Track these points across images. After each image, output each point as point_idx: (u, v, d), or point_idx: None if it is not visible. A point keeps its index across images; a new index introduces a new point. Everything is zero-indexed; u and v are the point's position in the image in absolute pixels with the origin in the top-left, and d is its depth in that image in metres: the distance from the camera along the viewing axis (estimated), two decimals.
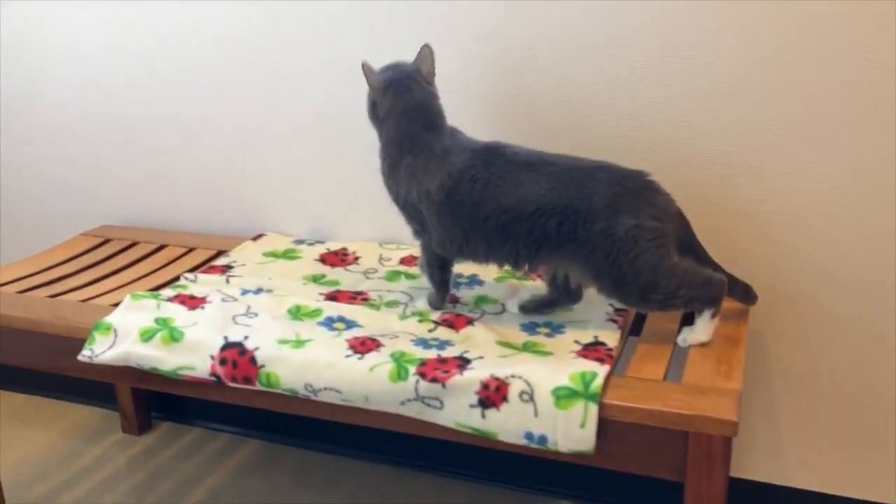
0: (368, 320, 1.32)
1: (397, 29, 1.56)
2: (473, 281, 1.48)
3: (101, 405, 2.11)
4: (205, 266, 1.60)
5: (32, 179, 1.97)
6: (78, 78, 1.85)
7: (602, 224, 1.17)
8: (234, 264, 1.59)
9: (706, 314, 1.21)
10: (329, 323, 1.31)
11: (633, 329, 1.33)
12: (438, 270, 1.35)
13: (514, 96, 1.52)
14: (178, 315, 1.32)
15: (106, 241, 1.76)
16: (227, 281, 1.50)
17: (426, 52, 1.32)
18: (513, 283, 1.46)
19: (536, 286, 1.42)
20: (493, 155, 1.25)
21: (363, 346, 1.21)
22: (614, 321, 1.29)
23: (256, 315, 1.33)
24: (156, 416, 2.04)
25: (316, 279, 1.51)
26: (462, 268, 1.49)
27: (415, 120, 1.30)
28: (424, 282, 1.40)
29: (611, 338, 1.23)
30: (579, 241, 1.19)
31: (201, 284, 1.49)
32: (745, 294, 1.32)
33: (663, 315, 1.30)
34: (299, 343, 1.22)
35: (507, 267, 1.29)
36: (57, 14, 1.81)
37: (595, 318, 1.31)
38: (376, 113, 1.33)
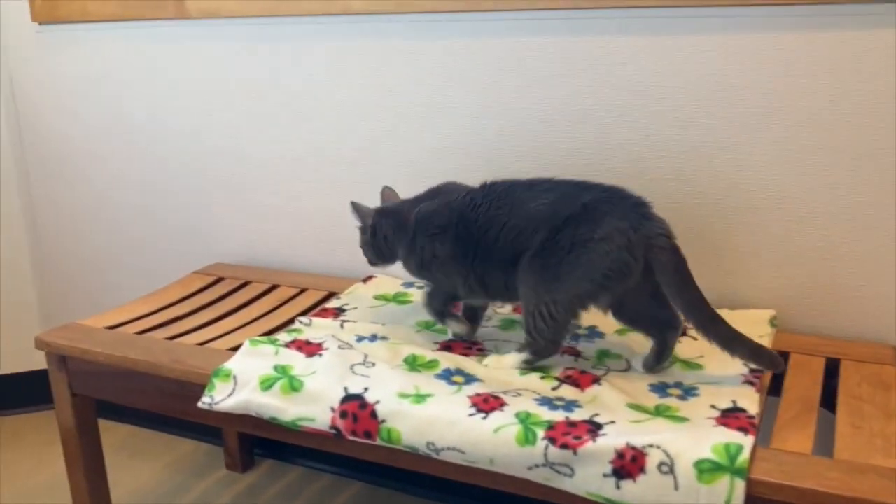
0: (487, 374, 1.28)
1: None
2: (594, 333, 1.42)
3: (204, 439, 2.13)
4: (317, 309, 1.59)
5: (147, 217, 2.02)
6: (194, 116, 1.88)
7: (581, 230, 1.19)
8: (346, 307, 1.57)
9: (524, 354, 1.26)
10: (447, 376, 1.27)
11: (769, 389, 1.25)
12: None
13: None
14: (297, 362, 1.31)
15: (219, 280, 1.78)
16: (342, 326, 1.48)
17: (388, 192, 1.47)
18: (636, 336, 1.39)
19: None
20: (491, 186, 1.32)
21: (486, 403, 1.17)
22: (751, 383, 1.21)
23: (374, 365, 1.30)
24: (258, 454, 2.04)
25: (428, 326, 1.48)
26: (584, 318, 1.46)
27: (408, 217, 1.36)
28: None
29: (750, 403, 1.15)
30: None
31: (316, 328, 1.47)
32: (756, 356, 1.19)
33: (805, 377, 1.24)
34: (420, 398, 1.19)
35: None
36: (170, 56, 1.86)
37: (729, 378, 1.23)
38: (377, 231, 1.40)
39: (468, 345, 1.40)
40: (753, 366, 1.23)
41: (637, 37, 1.43)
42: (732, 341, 1.17)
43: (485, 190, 1.31)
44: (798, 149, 1.37)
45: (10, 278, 2.22)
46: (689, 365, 1.29)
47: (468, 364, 1.31)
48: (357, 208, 1.44)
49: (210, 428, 2.02)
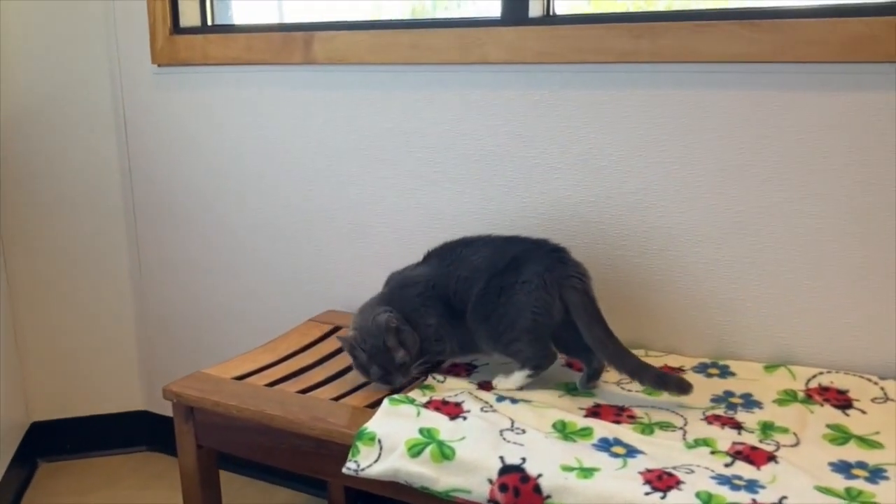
0: (649, 447, 1.20)
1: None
2: (750, 402, 1.34)
3: (302, 489, 2.07)
4: (447, 364, 1.53)
5: (256, 262, 1.99)
6: (311, 162, 1.85)
7: (507, 277, 1.36)
8: (476, 363, 1.52)
9: (525, 370, 1.38)
10: (606, 446, 1.20)
11: None
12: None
13: None
14: (442, 426, 1.25)
15: (336, 329, 1.73)
16: (478, 385, 1.42)
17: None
18: (798, 407, 1.31)
19: (828, 413, 1.28)
20: (438, 249, 1.49)
21: (660, 481, 1.09)
22: None
23: (524, 431, 1.23)
24: None
25: (569, 389, 1.41)
26: (734, 384, 1.40)
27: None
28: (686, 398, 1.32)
29: None
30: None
31: (449, 385, 1.42)
32: (662, 383, 1.31)
33: None
34: (585, 472, 1.11)
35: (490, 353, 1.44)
36: (290, 101, 1.84)
37: None
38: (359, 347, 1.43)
39: (617, 411, 1.33)
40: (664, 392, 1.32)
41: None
42: (639, 370, 1.32)
43: (434, 254, 1.48)
44: None
45: (112, 320, 2.21)
46: (867, 442, 1.21)
47: (624, 433, 1.24)
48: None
49: (310, 478, 1.96)
